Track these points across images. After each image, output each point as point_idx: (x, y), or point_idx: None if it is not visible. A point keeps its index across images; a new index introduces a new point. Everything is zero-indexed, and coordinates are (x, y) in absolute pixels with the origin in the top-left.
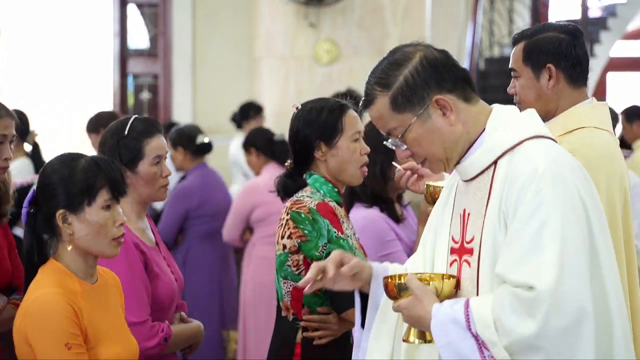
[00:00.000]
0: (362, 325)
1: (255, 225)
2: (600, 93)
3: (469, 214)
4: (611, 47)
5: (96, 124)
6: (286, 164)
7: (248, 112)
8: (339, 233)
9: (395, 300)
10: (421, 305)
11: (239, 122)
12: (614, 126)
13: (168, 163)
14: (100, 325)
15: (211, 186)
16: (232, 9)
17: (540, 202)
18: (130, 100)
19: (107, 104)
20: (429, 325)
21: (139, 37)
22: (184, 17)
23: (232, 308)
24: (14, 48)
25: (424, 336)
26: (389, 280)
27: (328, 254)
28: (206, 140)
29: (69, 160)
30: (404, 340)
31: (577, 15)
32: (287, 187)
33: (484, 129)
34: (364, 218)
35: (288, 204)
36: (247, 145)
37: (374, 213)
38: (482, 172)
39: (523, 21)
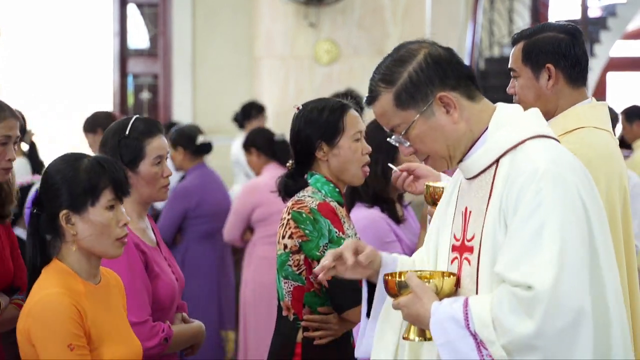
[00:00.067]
0: (368, 314)
1: (256, 225)
2: (600, 93)
3: (470, 212)
4: (611, 47)
5: (93, 124)
6: (288, 164)
7: (250, 112)
8: (340, 233)
9: (395, 298)
10: (420, 303)
11: (240, 122)
12: (614, 126)
13: (168, 163)
14: (103, 326)
15: (210, 186)
16: (232, 9)
17: (540, 202)
18: (130, 100)
19: (107, 104)
20: (428, 323)
21: (139, 37)
22: (184, 17)
23: (230, 308)
24: (14, 48)
25: (424, 334)
26: (389, 277)
27: None
28: (206, 140)
29: (72, 160)
30: (404, 338)
31: (577, 15)
32: (289, 188)
33: (487, 127)
34: (365, 218)
35: (289, 203)
36: (248, 145)
37: (375, 213)
38: (484, 170)
39: (523, 21)
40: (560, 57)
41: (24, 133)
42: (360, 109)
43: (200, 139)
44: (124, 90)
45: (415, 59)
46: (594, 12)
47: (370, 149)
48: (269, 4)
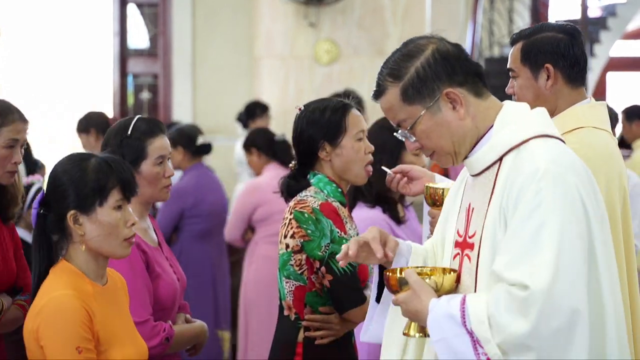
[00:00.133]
0: (378, 300)
1: (257, 225)
2: (600, 93)
3: (473, 209)
4: (611, 47)
5: (86, 124)
6: (290, 165)
7: (254, 112)
8: (342, 233)
9: (395, 294)
10: (418, 300)
11: (244, 122)
12: (614, 126)
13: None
14: (111, 327)
15: (207, 186)
16: (232, 9)
17: (540, 202)
18: (130, 100)
19: (107, 104)
20: (425, 319)
21: (138, 36)
22: (184, 17)
23: (225, 308)
24: (14, 48)
25: (424, 330)
26: (390, 274)
27: (331, 254)
28: (206, 141)
29: (79, 160)
30: (404, 334)
31: (577, 15)
32: (291, 188)
33: (493, 124)
34: (366, 219)
35: (292, 203)
36: (248, 146)
37: (376, 214)
38: (488, 168)
39: (523, 21)
40: (559, 57)
41: None
42: (361, 109)
43: (200, 140)
44: (124, 90)
45: (423, 54)
46: (594, 12)
47: (373, 148)
48: (269, 4)
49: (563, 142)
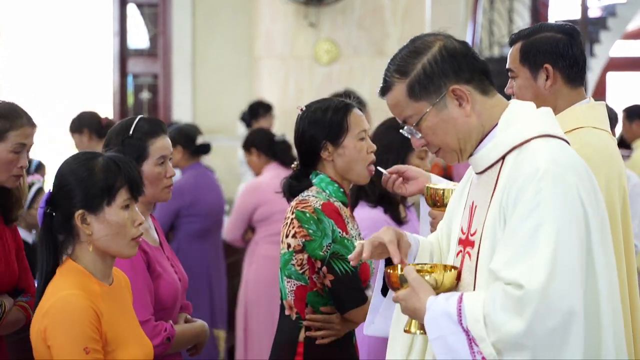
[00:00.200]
0: (384, 293)
1: (258, 225)
2: (600, 93)
3: (476, 207)
4: (611, 47)
5: (79, 124)
6: (293, 165)
7: (257, 111)
8: (344, 233)
9: (396, 291)
10: (417, 297)
11: (248, 121)
12: (614, 126)
13: None
14: (118, 327)
15: (204, 185)
16: (232, 9)
17: (539, 202)
18: (130, 100)
19: (107, 104)
20: (423, 317)
21: (138, 36)
22: (183, 17)
23: (222, 307)
24: (14, 48)
25: (424, 327)
26: (391, 271)
27: (332, 253)
28: (206, 141)
29: (86, 160)
30: (405, 331)
31: (577, 15)
32: (293, 188)
33: (498, 122)
34: (367, 219)
35: (293, 203)
36: (248, 146)
37: (378, 214)
38: (491, 166)
39: (523, 21)
40: (558, 57)
41: None
42: (362, 108)
43: (200, 140)
44: (123, 90)
45: (430, 51)
46: (593, 12)
47: (375, 147)
48: (269, 4)
49: (567, 142)
